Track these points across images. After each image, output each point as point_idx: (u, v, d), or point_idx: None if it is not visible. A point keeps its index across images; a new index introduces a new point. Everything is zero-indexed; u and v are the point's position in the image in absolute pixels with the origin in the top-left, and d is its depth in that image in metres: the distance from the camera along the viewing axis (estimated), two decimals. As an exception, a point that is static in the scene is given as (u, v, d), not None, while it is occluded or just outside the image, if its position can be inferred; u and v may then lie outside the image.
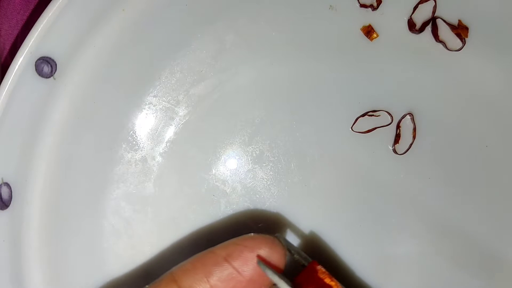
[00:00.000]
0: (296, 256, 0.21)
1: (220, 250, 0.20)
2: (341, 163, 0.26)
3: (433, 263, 0.26)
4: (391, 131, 0.26)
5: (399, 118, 0.26)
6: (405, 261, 0.26)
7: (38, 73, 0.23)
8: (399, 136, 0.26)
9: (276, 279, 0.19)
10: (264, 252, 0.19)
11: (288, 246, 0.21)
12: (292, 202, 0.27)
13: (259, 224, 0.26)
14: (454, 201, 0.26)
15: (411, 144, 0.26)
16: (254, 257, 0.19)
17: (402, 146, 0.26)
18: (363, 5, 0.25)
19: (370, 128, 0.25)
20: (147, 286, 0.20)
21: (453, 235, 0.26)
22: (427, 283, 0.26)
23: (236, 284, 0.19)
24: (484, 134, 0.25)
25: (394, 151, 0.26)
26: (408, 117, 0.25)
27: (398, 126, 0.25)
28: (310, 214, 0.26)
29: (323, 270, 0.20)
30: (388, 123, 0.26)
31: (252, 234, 0.20)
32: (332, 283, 0.19)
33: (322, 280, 0.19)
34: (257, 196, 0.27)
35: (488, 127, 0.25)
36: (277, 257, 0.19)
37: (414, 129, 0.25)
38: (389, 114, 0.25)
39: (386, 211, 0.26)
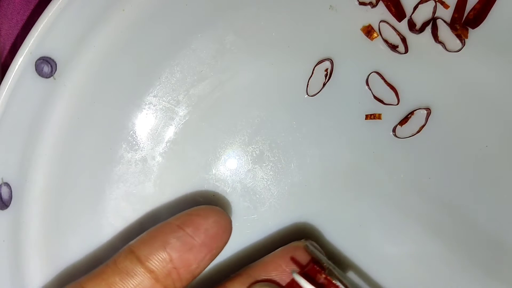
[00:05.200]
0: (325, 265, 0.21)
1: (174, 220, 0.22)
2: (341, 163, 0.26)
3: (433, 263, 0.26)
4: (391, 130, 0.26)
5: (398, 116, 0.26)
6: (405, 260, 0.26)
7: (38, 73, 0.23)
8: (407, 120, 0.25)
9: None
10: (213, 219, 0.21)
11: (316, 254, 0.22)
12: (292, 202, 0.26)
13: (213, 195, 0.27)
14: (454, 201, 0.26)
15: (412, 135, 0.25)
16: (205, 223, 0.21)
17: (403, 132, 0.26)
18: (362, 3, 0.25)
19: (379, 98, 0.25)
20: (106, 262, 0.21)
21: (454, 234, 0.26)
22: (428, 282, 0.26)
23: (190, 248, 0.21)
24: (484, 134, 0.25)
25: (394, 130, 0.26)
26: (423, 111, 0.25)
27: (411, 113, 0.25)
28: (310, 214, 0.26)
29: (322, 270, 0.20)
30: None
31: (202, 206, 0.22)
32: (330, 279, 0.20)
33: (321, 279, 0.20)
34: (257, 196, 0.27)
35: (488, 127, 0.25)
36: (224, 224, 0.22)
37: (423, 126, 0.25)
38: (396, 94, 0.25)
39: (386, 211, 0.26)
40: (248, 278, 0.22)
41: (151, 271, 0.20)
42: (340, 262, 0.26)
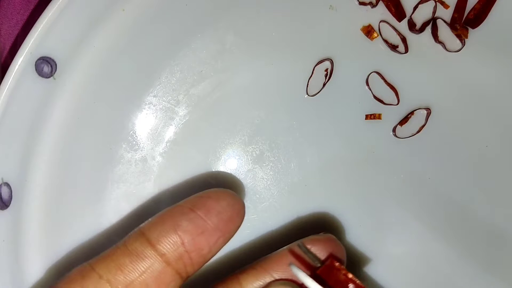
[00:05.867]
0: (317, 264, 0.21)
1: (185, 202, 0.21)
2: (341, 163, 0.26)
3: (433, 262, 0.26)
4: (391, 130, 0.26)
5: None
6: (405, 260, 0.26)
7: (38, 73, 0.23)
8: (406, 120, 0.25)
9: (307, 281, 0.19)
10: (226, 202, 0.21)
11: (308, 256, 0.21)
12: (292, 202, 0.26)
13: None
14: (454, 201, 0.26)
15: (412, 135, 0.25)
16: (217, 206, 0.20)
17: (403, 132, 0.26)
18: (362, 3, 0.25)
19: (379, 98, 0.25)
20: (116, 244, 0.21)
21: (453, 234, 0.26)
22: (427, 282, 0.26)
23: (203, 232, 0.20)
24: (484, 134, 0.25)
25: (394, 130, 0.26)
26: (423, 111, 0.25)
27: (411, 113, 0.25)
28: (310, 214, 0.26)
29: (342, 266, 0.20)
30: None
31: (214, 188, 0.21)
32: (350, 276, 0.20)
33: (340, 275, 0.20)
34: (257, 196, 0.27)
35: (488, 127, 0.25)
36: (237, 207, 0.21)
37: (423, 126, 0.25)
38: (396, 94, 0.25)
39: (386, 211, 0.26)
40: (263, 272, 0.21)
41: (162, 254, 0.20)
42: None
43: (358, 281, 0.20)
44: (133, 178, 0.26)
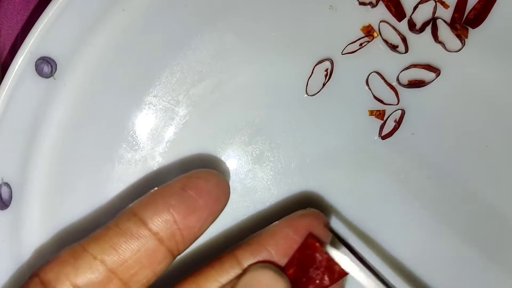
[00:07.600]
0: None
1: (175, 182, 0.21)
2: (341, 163, 0.26)
3: (433, 263, 0.26)
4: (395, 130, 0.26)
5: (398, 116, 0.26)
6: (406, 260, 0.26)
7: (38, 73, 0.23)
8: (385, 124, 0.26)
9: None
10: (214, 183, 0.21)
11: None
12: (292, 202, 0.27)
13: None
14: (454, 202, 0.26)
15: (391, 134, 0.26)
16: (206, 186, 0.21)
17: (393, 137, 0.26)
18: (362, 3, 0.25)
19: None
20: (106, 224, 0.21)
21: (453, 235, 0.26)
22: (428, 282, 0.26)
23: (194, 210, 0.21)
24: (484, 134, 0.25)
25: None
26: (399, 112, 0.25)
27: (398, 123, 0.26)
28: (310, 214, 0.26)
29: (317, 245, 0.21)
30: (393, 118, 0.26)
31: (201, 169, 0.22)
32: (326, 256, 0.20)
33: (317, 254, 0.21)
34: (257, 196, 0.27)
35: (488, 127, 0.25)
36: (224, 187, 0.22)
37: (399, 124, 0.26)
38: (396, 94, 0.25)
39: (387, 211, 0.26)
40: (259, 247, 0.22)
41: (155, 233, 0.20)
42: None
43: (339, 263, 0.20)
44: (133, 178, 0.26)
